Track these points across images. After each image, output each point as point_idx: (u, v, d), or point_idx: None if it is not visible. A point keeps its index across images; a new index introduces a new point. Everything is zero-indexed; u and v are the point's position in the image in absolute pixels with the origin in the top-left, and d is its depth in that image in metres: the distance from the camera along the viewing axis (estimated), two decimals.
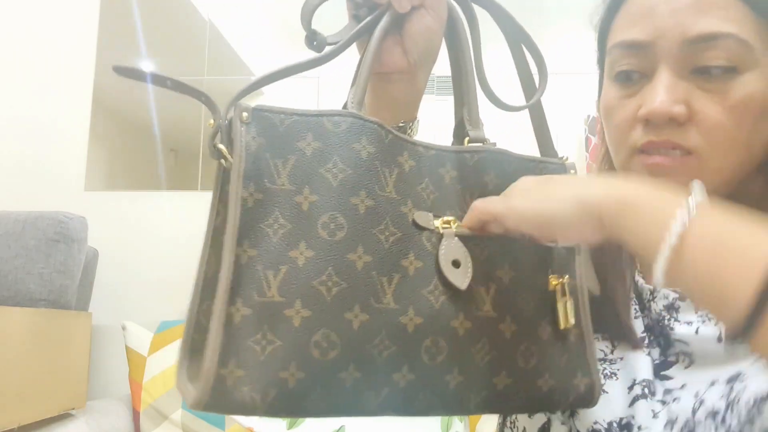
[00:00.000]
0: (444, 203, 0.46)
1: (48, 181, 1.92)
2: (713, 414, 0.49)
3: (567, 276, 0.49)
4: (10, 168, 1.94)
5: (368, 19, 0.49)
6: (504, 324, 0.45)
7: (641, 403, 0.54)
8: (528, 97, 0.55)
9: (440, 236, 0.44)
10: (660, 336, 0.56)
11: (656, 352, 0.56)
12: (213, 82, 1.93)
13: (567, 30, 1.79)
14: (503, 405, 0.46)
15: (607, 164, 0.60)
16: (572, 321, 0.48)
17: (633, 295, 0.58)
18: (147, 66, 1.97)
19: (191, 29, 1.97)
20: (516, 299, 0.46)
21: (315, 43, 0.47)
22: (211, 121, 0.41)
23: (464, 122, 0.51)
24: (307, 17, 0.47)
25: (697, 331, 0.52)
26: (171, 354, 1.52)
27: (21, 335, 1.28)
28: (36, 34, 2.00)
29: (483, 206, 0.45)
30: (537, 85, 0.55)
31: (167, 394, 1.48)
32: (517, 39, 0.55)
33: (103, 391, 1.78)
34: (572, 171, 0.53)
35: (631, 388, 0.55)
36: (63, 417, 1.39)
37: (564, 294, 0.48)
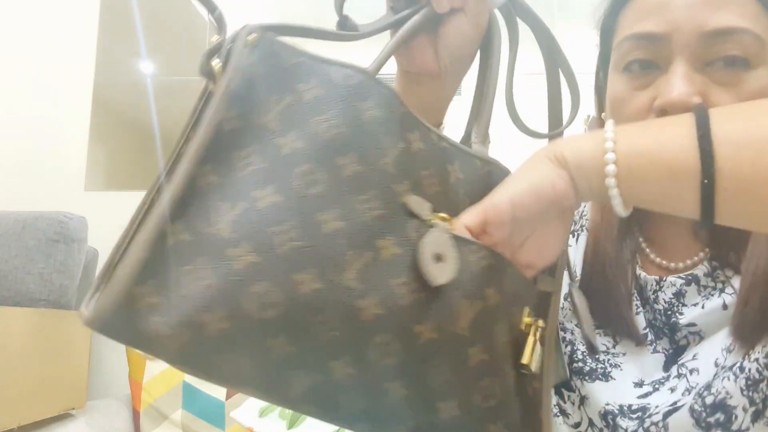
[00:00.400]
0: (444, 201, 0.41)
1: (48, 180, 1.92)
2: (730, 366, 0.51)
3: (540, 320, 0.44)
4: (10, 168, 1.94)
5: (405, 12, 0.47)
6: (474, 349, 0.39)
7: (655, 395, 0.55)
8: (552, 123, 0.54)
9: (430, 228, 0.39)
10: (665, 327, 0.57)
11: (666, 342, 0.57)
12: None
13: (567, 30, 1.79)
14: None
15: None
16: (535, 369, 0.43)
17: (635, 291, 0.59)
18: (147, 66, 1.97)
19: (191, 29, 1.96)
20: (494, 327, 0.41)
21: (347, 30, 0.46)
22: (215, 37, 0.37)
23: (472, 135, 0.49)
24: (339, 2, 0.45)
25: (703, 306, 0.54)
26: None
27: (21, 335, 1.28)
28: (36, 34, 2.00)
29: (468, 217, 0.42)
30: (563, 115, 0.54)
31: (167, 394, 1.48)
32: (556, 63, 0.53)
33: (103, 391, 1.78)
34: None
35: (640, 385, 0.56)
36: (63, 417, 1.39)
37: (534, 336, 0.43)
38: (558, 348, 0.51)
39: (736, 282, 0.54)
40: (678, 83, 0.50)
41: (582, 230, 0.65)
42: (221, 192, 0.34)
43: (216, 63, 0.36)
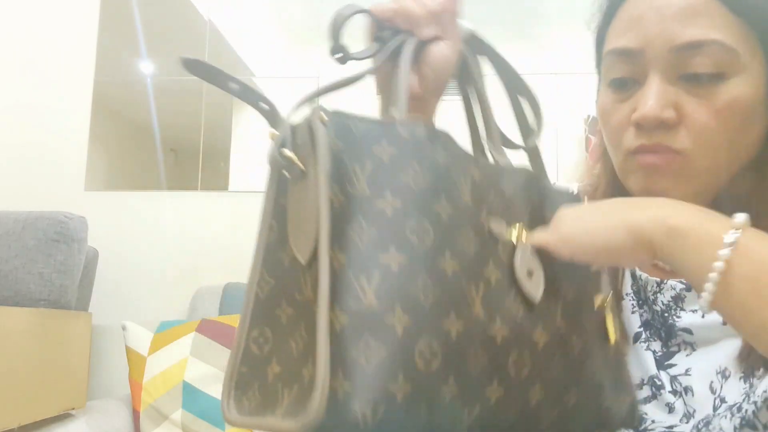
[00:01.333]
0: (511, 214, 0.46)
1: (48, 181, 1.92)
2: (730, 406, 0.52)
3: (606, 293, 0.50)
4: (10, 168, 1.94)
5: (391, 43, 0.49)
6: (573, 338, 0.45)
7: (653, 404, 0.55)
8: (524, 137, 0.57)
9: (513, 246, 0.44)
10: (662, 328, 0.58)
11: (657, 345, 0.58)
12: None
13: (567, 30, 1.79)
14: (569, 425, 0.45)
15: (606, 163, 0.62)
16: (616, 339, 0.49)
17: (630, 291, 0.61)
18: (147, 66, 1.97)
19: (191, 29, 1.96)
20: (579, 315, 0.47)
21: (341, 55, 0.47)
22: (274, 131, 0.39)
23: (488, 152, 0.53)
24: (337, 29, 0.47)
25: (703, 316, 0.55)
26: (171, 354, 1.52)
27: (21, 335, 1.28)
28: (36, 33, 2.00)
29: (537, 239, 0.46)
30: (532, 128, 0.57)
31: (167, 394, 1.48)
32: (516, 89, 0.56)
33: (103, 391, 1.78)
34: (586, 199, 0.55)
35: (640, 387, 0.58)
36: (63, 417, 1.39)
37: (610, 311, 0.49)
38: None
39: None
40: (651, 98, 0.52)
41: None
42: (354, 267, 0.36)
43: (287, 152, 0.39)
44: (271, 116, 0.40)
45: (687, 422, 0.53)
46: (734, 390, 0.52)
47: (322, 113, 0.39)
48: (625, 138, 0.55)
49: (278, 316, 0.39)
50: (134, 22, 1.96)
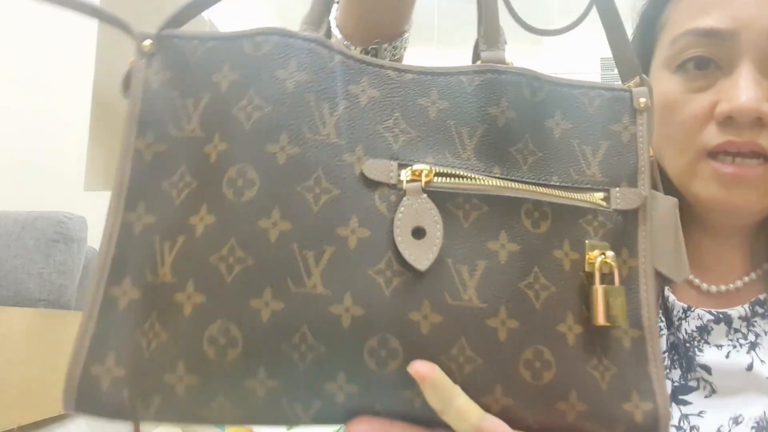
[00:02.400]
0: (423, 146, 0.33)
1: (48, 180, 1.92)
2: None
3: (624, 251, 0.34)
4: (10, 168, 1.94)
5: None
6: (495, 319, 0.31)
7: None
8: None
9: (402, 193, 0.32)
10: (684, 357, 0.51)
11: (677, 374, 0.52)
12: None
13: (567, 33, 1.79)
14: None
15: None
16: (622, 320, 0.33)
17: (659, 311, 0.54)
18: None
19: (191, 29, 1.97)
20: (518, 282, 0.32)
21: None
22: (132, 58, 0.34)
23: (479, 43, 0.38)
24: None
25: (728, 356, 0.49)
26: None
27: (20, 335, 1.28)
28: (36, 33, 1.99)
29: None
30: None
31: None
32: None
33: None
34: (642, 99, 0.37)
35: None
36: (62, 417, 1.39)
37: (602, 281, 0.33)
38: (671, 236, 0.37)
39: None
40: (746, 88, 0.45)
41: None
42: (161, 230, 0.30)
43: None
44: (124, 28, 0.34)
45: None
46: None
47: (145, 41, 0.34)
48: (702, 135, 0.48)
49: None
50: (134, 22, 1.96)
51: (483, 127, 0.34)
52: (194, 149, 0.31)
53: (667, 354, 0.52)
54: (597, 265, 0.33)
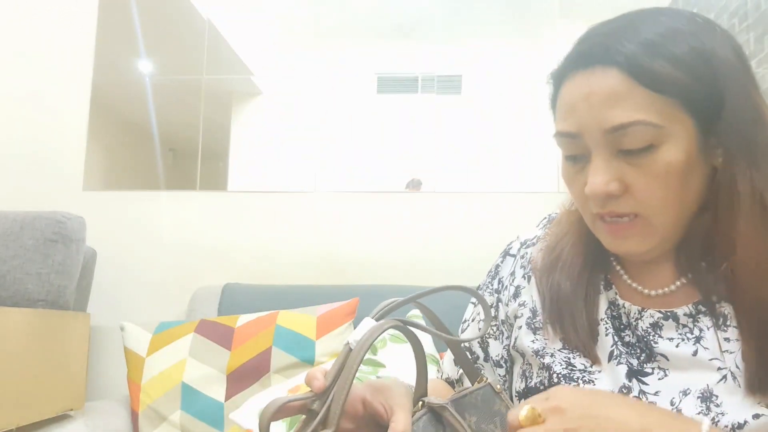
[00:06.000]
0: None
1: (46, 181, 1.92)
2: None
3: None
4: (9, 168, 1.93)
5: None
6: None
7: None
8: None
9: None
10: (645, 350, 0.65)
11: (634, 361, 0.65)
12: (212, 81, 1.92)
13: (567, 30, 1.79)
14: None
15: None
16: None
17: (605, 316, 0.68)
18: (145, 66, 1.97)
19: (191, 29, 1.96)
20: None
21: None
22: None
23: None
24: (263, 428, 0.52)
25: (677, 346, 0.62)
26: (169, 355, 1.52)
27: (19, 336, 1.28)
28: (34, 33, 1.99)
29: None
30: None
31: (166, 395, 1.47)
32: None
33: (101, 392, 1.77)
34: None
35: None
36: (61, 418, 1.39)
37: None
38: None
39: (711, 335, 0.61)
40: (594, 175, 0.60)
41: (532, 273, 0.75)
42: None
43: None
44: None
45: None
46: (690, 405, 0.59)
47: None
48: (587, 205, 0.64)
49: None
50: (133, 21, 1.96)
51: None
52: None
53: (616, 347, 0.66)
54: None
